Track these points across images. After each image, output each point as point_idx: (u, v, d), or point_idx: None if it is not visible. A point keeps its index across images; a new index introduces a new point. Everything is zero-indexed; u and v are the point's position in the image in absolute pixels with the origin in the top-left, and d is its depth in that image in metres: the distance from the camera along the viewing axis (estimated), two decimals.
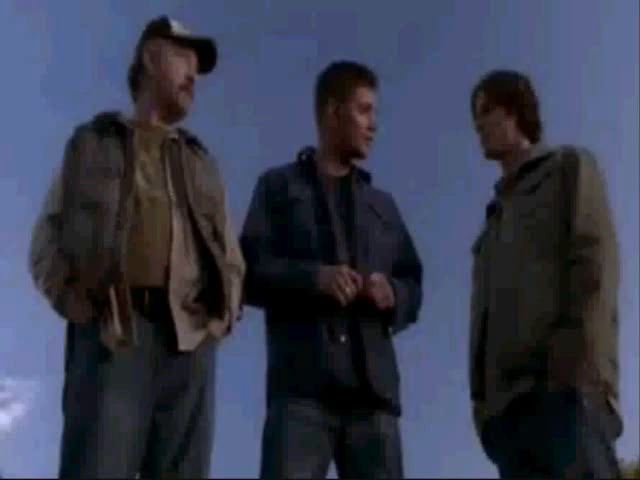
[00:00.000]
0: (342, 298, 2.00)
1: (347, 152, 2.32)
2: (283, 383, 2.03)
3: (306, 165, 2.32)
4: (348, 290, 2.00)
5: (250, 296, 2.10)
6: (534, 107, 2.29)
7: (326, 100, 2.34)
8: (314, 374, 1.98)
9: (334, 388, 1.97)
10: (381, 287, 2.08)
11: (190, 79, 2.10)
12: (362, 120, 2.28)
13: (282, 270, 2.10)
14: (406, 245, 2.33)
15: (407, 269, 2.27)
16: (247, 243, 2.16)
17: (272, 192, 2.25)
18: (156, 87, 2.11)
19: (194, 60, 2.13)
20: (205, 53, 2.16)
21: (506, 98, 2.25)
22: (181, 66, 2.10)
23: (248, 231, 2.22)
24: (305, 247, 2.13)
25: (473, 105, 2.35)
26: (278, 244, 2.18)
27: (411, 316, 2.24)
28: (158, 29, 2.14)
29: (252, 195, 2.31)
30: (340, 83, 2.33)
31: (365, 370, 1.99)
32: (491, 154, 2.29)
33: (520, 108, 2.25)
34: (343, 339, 2.01)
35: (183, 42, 2.12)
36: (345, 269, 2.03)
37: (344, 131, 2.30)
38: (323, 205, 2.19)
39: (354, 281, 2.02)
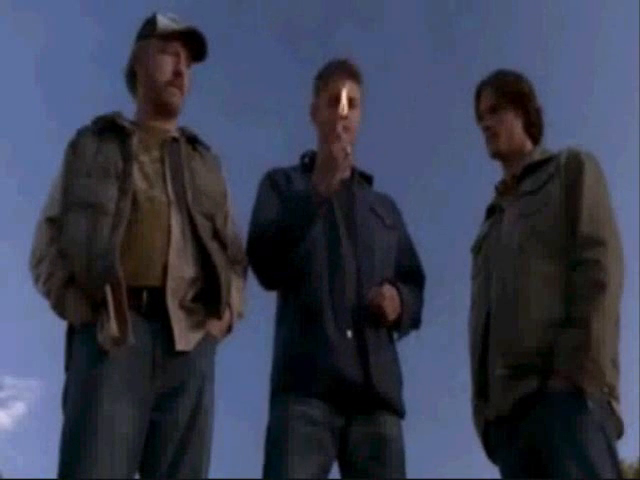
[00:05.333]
0: (342, 155, 2.01)
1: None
2: (288, 382, 2.01)
3: (309, 167, 2.31)
4: (347, 148, 2.03)
5: (257, 261, 2.12)
6: (539, 110, 2.29)
7: (311, 103, 2.37)
8: (320, 369, 1.97)
9: (339, 384, 1.96)
10: (392, 301, 2.08)
11: (177, 74, 2.08)
12: (331, 112, 2.23)
13: (280, 210, 2.12)
14: (408, 250, 2.33)
15: (410, 275, 2.26)
16: (260, 231, 2.14)
17: (278, 185, 2.23)
18: (144, 88, 2.12)
19: (183, 53, 2.11)
20: (195, 42, 2.13)
21: (515, 99, 2.25)
22: (166, 62, 2.08)
23: (261, 220, 2.18)
24: (310, 243, 2.10)
25: (477, 103, 2.34)
26: None
27: (415, 323, 2.24)
28: (145, 30, 2.15)
29: (258, 191, 2.28)
30: (316, 84, 2.36)
31: (369, 368, 1.99)
32: (498, 154, 2.28)
33: (527, 110, 2.26)
34: (350, 334, 2.01)
35: (168, 37, 2.10)
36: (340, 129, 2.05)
37: (320, 127, 2.31)
38: (327, 204, 2.18)
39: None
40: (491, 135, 2.26)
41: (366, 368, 1.99)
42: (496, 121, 2.25)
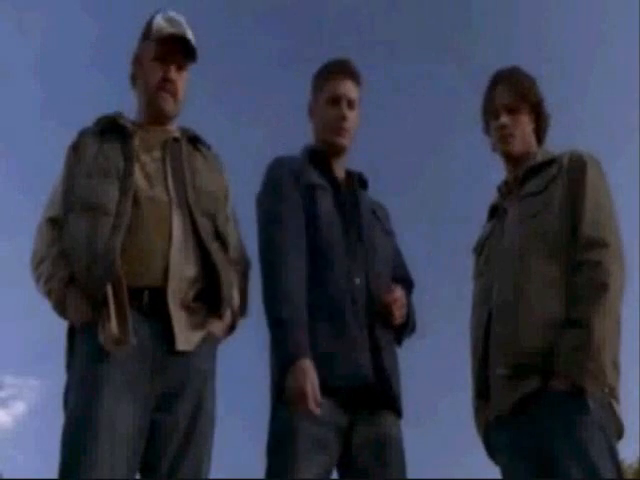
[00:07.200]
0: (291, 407, 1.88)
1: (328, 147, 2.26)
2: None
3: (317, 157, 2.25)
4: (299, 407, 1.86)
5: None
6: (548, 116, 2.30)
7: (310, 101, 2.36)
8: (343, 366, 1.95)
9: (356, 382, 1.95)
10: (401, 305, 2.09)
11: (167, 80, 2.07)
12: (331, 112, 2.23)
13: (281, 327, 1.92)
14: (400, 257, 2.33)
15: (402, 283, 2.25)
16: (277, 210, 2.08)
17: (296, 175, 2.16)
18: (140, 90, 2.13)
19: (176, 57, 2.09)
20: (187, 45, 2.11)
21: (532, 103, 2.26)
22: (158, 68, 2.07)
23: (278, 201, 2.09)
24: (329, 239, 2.08)
25: (490, 95, 2.32)
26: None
27: (414, 329, 2.26)
28: (144, 31, 2.15)
29: (267, 175, 2.20)
30: (315, 82, 2.34)
31: (383, 367, 2.00)
32: (510, 155, 2.27)
33: (539, 115, 2.27)
34: (365, 332, 2.01)
35: (162, 40, 2.08)
36: (309, 386, 1.83)
37: (317, 126, 2.29)
38: (340, 198, 2.17)
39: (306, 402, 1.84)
40: (507, 135, 2.25)
41: (379, 367, 1.99)
42: (513, 122, 2.25)
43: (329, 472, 1.95)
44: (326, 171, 2.21)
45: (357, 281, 2.06)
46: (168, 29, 2.09)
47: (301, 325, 1.91)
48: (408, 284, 2.30)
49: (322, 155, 2.26)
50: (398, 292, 2.10)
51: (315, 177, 2.17)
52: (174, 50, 2.09)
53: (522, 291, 2.00)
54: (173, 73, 2.08)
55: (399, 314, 2.09)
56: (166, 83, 2.07)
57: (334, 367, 1.96)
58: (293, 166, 2.19)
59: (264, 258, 2.04)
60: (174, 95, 2.09)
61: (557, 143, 2.30)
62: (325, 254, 2.07)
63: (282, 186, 2.13)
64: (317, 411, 1.83)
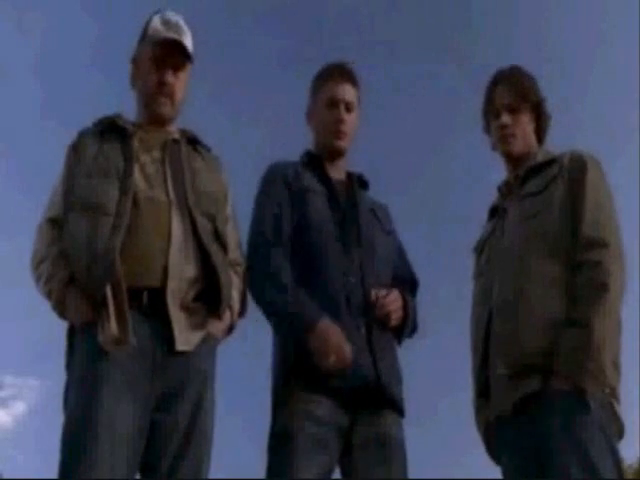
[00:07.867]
0: (324, 364, 1.91)
1: (326, 150, 2.28)
2: (297, 379, 1.97)
3: (313, 161, 2.28)
4: (332, 359, 1.90)
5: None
6: (549, 117, 2.31)
7: (308, 105, 2.37)
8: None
9: (354, 381, 1.96)
10: (397, 309, 2.09)
11: (163, 83, 2.06)
12: (329, 115, 2.25)
13: (282, 305, 1.99)
14: (403, 257, 2.34)
15: (406, 281, 2.27)
16: (265, 224, 2.12)
17: (288, 181, 2.19)
18: (139, 92, 2.13)
19: (172, 59, 2.07)
20: (182, 48, 2.09)
21: (533, 103, 2.26)
22: (154, 71, 2.06)
23: (267, 212, 2.14)
24: (322, 240, 2.10)
25: (491, 95, 2.32)
26: (295, 230, 2.13)
27: (415, 329, 2.26)
28: (142, 33, 2.14)
29: (261, 181, 2.24)
30: (313, 85, 2.36)
31: (378, 367, 2.00)
32: (510, 155, 2.27)
33: (539, 114, 2.28)
34: (363, 332, 2.02)
35: (157, 43, 2.07)
36: (336, 338, 1.91)
37: (316, 129, 2.31)
38: (335, 200, 2.18)
39: (340, 351, 1.90)
40: (508, 134, 2.25)
41: (375, 366, 1.99)
42: (514, 122, 2.25)
43: (329, 472, 1.95)
44: (322, 174, 2.23)
45: (352, 280, 2.06)
46: (163, 33, 2.08)
47: (306, 301, 1.96)
48: (411, 284, 2.30)
49: (318, 158, 2.27)
50: (393, 294, 2.10)
51: (309, 180, 2.19)
52: (170, 53, 2.07)
53: (522, 291, 2.00)
54: (169, 76, 2.07)
55: (395, 316, 2.09)
56: (162, 86, 2.06)
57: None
58: (286, 171, 2.21)
59: (249, 257, 2.11)
60: (171, 98, 2.08)
61: (557, 143, 2.31)
62: (319, 255, 2.09)
63: (270, 188, 2.18)
64: (349, 361, 1.89)
